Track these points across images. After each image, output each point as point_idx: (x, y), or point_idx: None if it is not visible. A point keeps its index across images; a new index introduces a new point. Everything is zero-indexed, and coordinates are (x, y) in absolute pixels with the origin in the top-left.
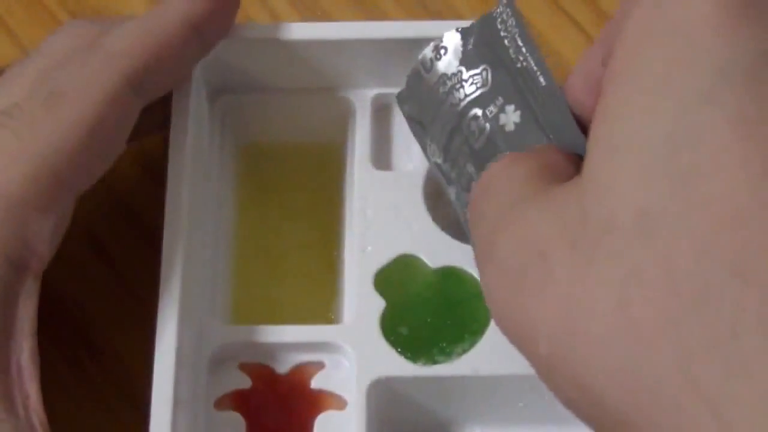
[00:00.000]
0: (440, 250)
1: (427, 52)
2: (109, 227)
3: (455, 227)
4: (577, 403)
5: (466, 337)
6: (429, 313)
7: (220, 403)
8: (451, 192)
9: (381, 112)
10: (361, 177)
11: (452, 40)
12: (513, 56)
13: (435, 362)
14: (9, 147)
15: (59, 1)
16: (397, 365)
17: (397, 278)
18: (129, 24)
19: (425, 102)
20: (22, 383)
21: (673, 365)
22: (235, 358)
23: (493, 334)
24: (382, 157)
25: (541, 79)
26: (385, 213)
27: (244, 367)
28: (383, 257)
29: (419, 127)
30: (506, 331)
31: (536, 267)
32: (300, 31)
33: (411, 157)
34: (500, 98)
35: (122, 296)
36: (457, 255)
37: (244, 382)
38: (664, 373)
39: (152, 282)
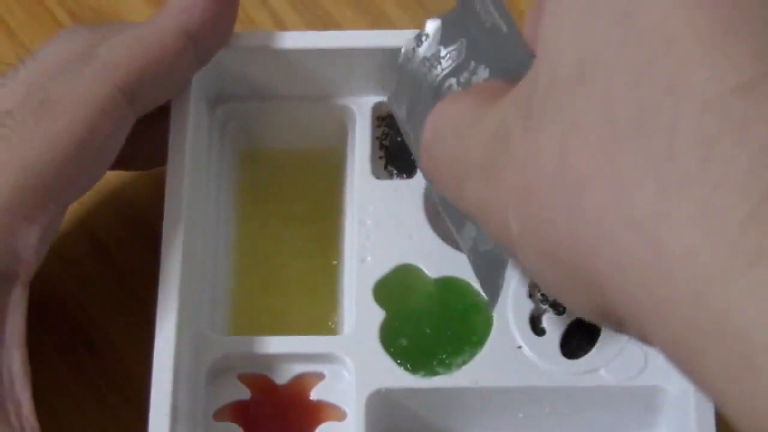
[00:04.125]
0: (440, 261)
1: (409, 42)
2: (109, 228)
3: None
4: (548, 276)
5: (466, 348)
6: (429, 324)
7: (219, 415)
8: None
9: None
10: (361, 186)
11: (433, 26)
12: (483, 18)
13: (435, 374)
14: None
15: (59, 1)
16: (396, 376)
17: (396, 289)
18: (124, 33)
19: (410, 92)
20: (14, 392)
21: (608, 200)
22: (234, 369)
23: (493, 345)
24: (382, 166)
25: (504, 28)
26: (384, 223)
27: (244, 378)
28: (383, 267)
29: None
30: (489, 230)
31: (501, 153)
32: (300, 39)
33: None
34: (473, 62)
35: (122, 296)
36: (458, 265)
37: (244, 393)
38: (601, 211)
39: (152, 282)
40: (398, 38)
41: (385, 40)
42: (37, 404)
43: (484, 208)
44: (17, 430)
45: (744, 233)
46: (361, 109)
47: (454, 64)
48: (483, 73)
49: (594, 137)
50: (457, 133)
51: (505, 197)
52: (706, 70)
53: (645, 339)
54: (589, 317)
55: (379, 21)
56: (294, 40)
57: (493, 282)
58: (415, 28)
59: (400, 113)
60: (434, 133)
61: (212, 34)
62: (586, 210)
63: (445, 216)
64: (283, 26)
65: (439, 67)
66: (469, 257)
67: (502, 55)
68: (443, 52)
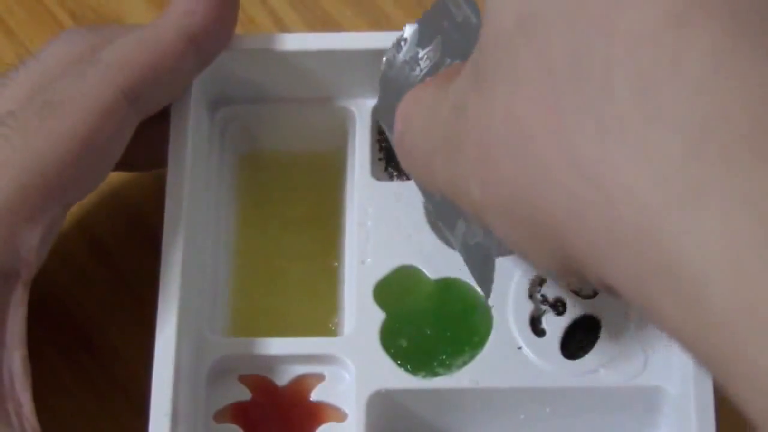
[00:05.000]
0: (440, 262)
1: (389, 50)
2: (110, 229)
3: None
4: (512, 235)
5: (467, 349)
6: (429, 325)
7: (220, 416)
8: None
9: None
10: (361, 188)
11: (410, 30)
12: (455, 14)
13: (435, 375)
14: (0, 155)
15: (59, 1)
16: (397, 377)
17: (396, 290)
18: (127, 36)
19: (393, 100)
20: (14, 392)
21: (553, 148)
22: (235, 370)
23: (493, 346)
24: (382, 168)
25: (474, 19)
26: (384, 224)
27: (244, 380)
28: (383, 269)
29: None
30: (458, 202)
31: (460, 122)
32: (300, 41)
33: None
34: (448, 59)
35: (122, 296)
36: (458, 266)
37: (244, 395)
38: (547, 159)
39: (152, 283)
40: None
41: (385, 41)
42: (37, 404)
43: (452, 181)
44: (18, 430)
45: (683, 167)
46: (361, 111)
47: (431, 64)
48: None
49: (536, 89)
50: (422, 118)
51: (466, 164)
52: (638, 7)
53: (604, 286)
54: (553, 273)
55: (379, 21)
56: (294, 42)
57: (484, 273)
58: None
59: (387, 125)
60: (403, 123)
61: (214, 36)
62: (535, 161)
63: (438, 219)
64: (282, 26)
65: (417, 69)
66: (461, 253)
67: (473, 47)
68: (421, 54)
